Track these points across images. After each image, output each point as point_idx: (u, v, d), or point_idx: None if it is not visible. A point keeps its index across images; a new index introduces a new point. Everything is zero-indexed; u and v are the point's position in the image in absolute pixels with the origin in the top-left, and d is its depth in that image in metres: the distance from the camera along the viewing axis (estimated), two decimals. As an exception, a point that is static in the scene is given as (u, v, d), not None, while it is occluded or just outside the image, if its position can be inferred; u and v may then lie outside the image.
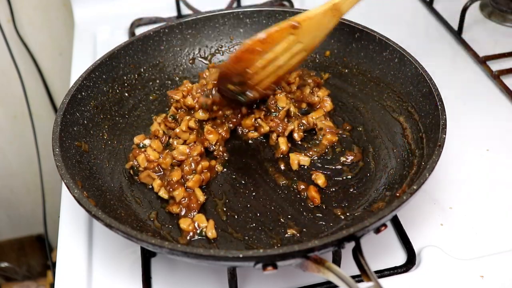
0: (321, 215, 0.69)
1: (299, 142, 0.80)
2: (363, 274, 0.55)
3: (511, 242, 0.69)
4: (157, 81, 0.89)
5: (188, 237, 0.67)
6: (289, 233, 0.67)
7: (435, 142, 0.65)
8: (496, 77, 0.94)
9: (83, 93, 0.78)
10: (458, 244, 0.69)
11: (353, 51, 0.87)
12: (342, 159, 0.76)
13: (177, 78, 0.91)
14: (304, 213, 0.70)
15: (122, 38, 1.10)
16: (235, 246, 0.65)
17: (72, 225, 0.75)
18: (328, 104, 0.83)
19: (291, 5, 1.17)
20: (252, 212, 0.70)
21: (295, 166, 0.76)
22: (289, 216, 0.69)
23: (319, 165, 0.76)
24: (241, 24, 0.93)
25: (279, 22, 0.74)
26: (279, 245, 0.65)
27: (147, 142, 0.77)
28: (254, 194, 0.73)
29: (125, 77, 0.86)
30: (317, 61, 0.91)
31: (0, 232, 1.72)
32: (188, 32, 0.92)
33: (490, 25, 1.10)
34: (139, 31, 1.10)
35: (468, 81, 0.96)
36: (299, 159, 0.76)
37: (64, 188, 0.80)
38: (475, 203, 0.74)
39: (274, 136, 0.80)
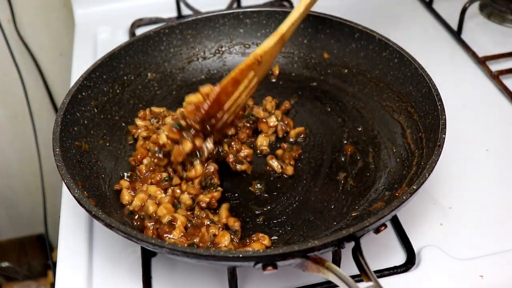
0: (320, 215, 0.69)
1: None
2: (363, 274, 0.55)
3: (511, 242, 0.69)
4: (158, 81, 0.89)
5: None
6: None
7: (434, 142, 0.65)
8: (496, 77, 0.94)
9: (84, 93, 0.78)
10: (458, 244, 0.69)
11: (353, 51, 0.87)
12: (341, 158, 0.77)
13: (178, 78, 0.91)
14: (304, 213, 0.70)
15: (122, 38, 1.10)
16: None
17: (72, 225, 0.75)
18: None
19: (291, 5, 1.17)
20: (256, 215, 0.70)
21: (290, 171, 0.76)
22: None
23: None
24: (241, 24, 0.93)
25: (244, 60, 0.75)
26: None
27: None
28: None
29: (125, 77, 0.86)
30: (317, 61, 0.91)
31: (0, 232, 1.73)
32: (188, 33, 0.92)
33: (489, 25, 1.10)
34: (140, 31, 1.10)
35: (468, 81, 0.96)
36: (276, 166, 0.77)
37: (64, 188, 0.80)
38: (475, 203, 0.74)
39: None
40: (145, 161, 0.76)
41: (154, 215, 0.68)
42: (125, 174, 0.74)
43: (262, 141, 0.80)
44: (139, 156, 0.76)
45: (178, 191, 0.71)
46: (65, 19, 1.35)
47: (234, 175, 0.76)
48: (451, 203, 0.75)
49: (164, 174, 0.72)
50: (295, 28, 0.79)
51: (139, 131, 0.80)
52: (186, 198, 0.70)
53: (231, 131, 0.80)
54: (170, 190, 0.72)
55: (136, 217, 0.68)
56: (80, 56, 1.08)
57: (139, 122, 0.82)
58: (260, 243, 0.65)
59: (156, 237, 0.65)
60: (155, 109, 0.84)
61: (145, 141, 0.79)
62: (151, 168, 0.74)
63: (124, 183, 0.73)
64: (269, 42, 0.76)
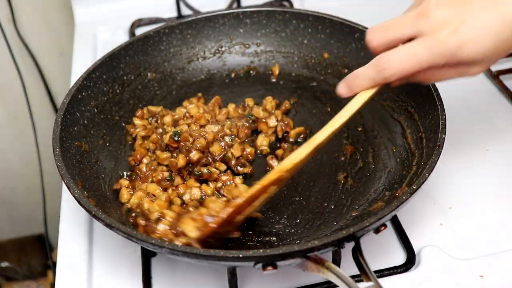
0: (320, 215, 0.69)
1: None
2: (363, 274, 0.55)
3: (511, 242, 0.69)
4: (157, 81, 0.89)
5: None
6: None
7: (434, 142, 0.65)
8: (496, 77, 0.94)
9: (84, 93, 0.78)
10: (458, 244, 0.69)
11: (353, 51, 0.87)
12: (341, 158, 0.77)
13: (178, 78, 0.91)
14: (304, 213, 0.70)
15: (122, 38, 1.10)
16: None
17: (72, 225, 0.75)
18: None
19: (291, 5, 1.17)
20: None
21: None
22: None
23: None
24: (241, 24, 0.93)
25: (267, 175, 0.64)
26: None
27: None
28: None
29: (125, 77, 0.86)
30: (317, 61, 0.91)
31: (0, 232, 1.72)
32: (188, 33, 0.92)
33: (490, 25, 1.10)
34: (140, 31, 1.10)
35: (468, 81, 0.95)
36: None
37: (64, 188, 0.80)
38: (475, 203, 0.74)
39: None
40: (145, 160, 0.76)
41: (148, 212, 0.67)
42: (125, 173, 0.74)
43: (262, 141, 0.80)
44: (138, 156, 0.76)
45: (180, 190, 0.71)
46: (65, 19, 1.35)
47: (234, 175, 0.76)
48: (451, 203, 0.75)
49: (166, 174, 0.72)
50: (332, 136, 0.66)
51: (137, 130, 0.80)
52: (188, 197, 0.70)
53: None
54: (170, 190, 0.72)
55: (133, 215, 0.68)
56: (80, 56, 1.08)
57: (137, 121, 0.82)
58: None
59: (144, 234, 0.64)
60: (152, 108, 0.84)
61: (144, 140, 0.79)
62: (152, 168, 0.74)
63: (124, 182, 0.73)
64: (300, 152, 0.64)
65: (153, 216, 0.65)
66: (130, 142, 0.81)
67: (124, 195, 0.71)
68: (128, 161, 0.77)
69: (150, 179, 0.73)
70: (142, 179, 0.74)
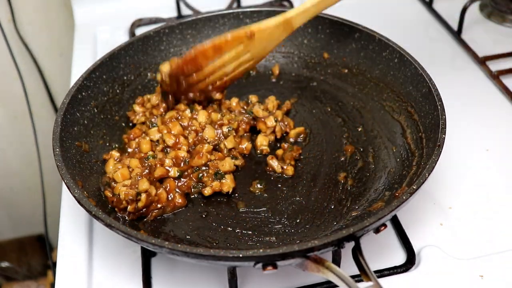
0: (320, 215, 0.69)
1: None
2: (363, 274, 0.55)
3: (511, 242, 0.69)
4: (157, 81, 0.89)
5: None
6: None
7: (434, 142, 0.65)
8: (496, 77, 0.94)
9: (84, 93, 0.78)
10: (458, 244, 0.69)
11: (353, 51, 0.87)
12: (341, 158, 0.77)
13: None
14: (304, 213, 0.70)
15: (122, 38, 1.10)
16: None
17: (72, 225, 0.75)
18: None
19: (291, 5, 1.17)
20: (250, 213, 0.70)
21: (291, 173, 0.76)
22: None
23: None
24: (241, 24, 0.93)
25: (234, 30, 0.76)
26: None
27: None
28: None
29: (125, 77, 0.86)
30: (317, 61, 0.91)
31: (0, 232, 1.72)
32: (188, 33, 0.92)
33: (489, 25, 1.10)
34: (139, 31, 1.10)
35: (468, 81, 0.96)
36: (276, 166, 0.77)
37: (64, 188, 0.80)
38: (475, 203, 0.74)
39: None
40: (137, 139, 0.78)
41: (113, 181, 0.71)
42: (116, 146, 0.77)
43: (262, 141, 0.80)
44: (132, 135, 0.78)
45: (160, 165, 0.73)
46: (65, 19, 1.35)
47: (234, 175, 0.76)
48: (451, 203, 0.75)
49: (150, 153, 0.74)
50: (307, 19, 0.77)
51: (137, 117, 0.82)
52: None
53: (218, 96, 0.82)
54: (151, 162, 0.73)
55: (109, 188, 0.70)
56: (80, 56, 1.08)
57: (137, 108, 0.83)
58: None
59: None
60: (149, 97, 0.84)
61: (143, 125, 0.81)
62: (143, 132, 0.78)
63: (114, 154, 0.75)
64: (269, 21, 0.76)
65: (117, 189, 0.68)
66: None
67: (110, 166, 0.73)
68: (122, 138, 0.79)
69: (135, 155, 0.74)
70: (129, 154, 0.75)
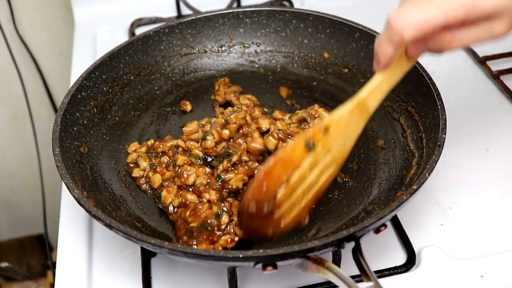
0: (320, 215, 0.69)
1: None
2: (363, 274, 0.55)
3: (511, 242, 0.69)
4: (157, 81, 0.89)
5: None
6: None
7: (435, 142, 0.65)
8: (496, 77, 0.94)
9: (83, 93, 0.78)
10: (458, 244, 0.69)
11: (353, 51, 0.87)
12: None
13: (177, 77, 0.91)
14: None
15: (122, 38, 1.10)
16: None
17: (72, 225, 0.75)
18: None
19: (291, 5, 1.17)
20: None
21: None
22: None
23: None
24: (241, 24, 0.93)
25: (302, 132, 0.66)
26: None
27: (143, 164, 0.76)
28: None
29: (125, 77, 0.86)
30: (317, 61, 0.91)
31: (0, 232, 1.72)
32: (188, 32, 0.92)
33: (490, 25, 1.10)
34: (139, 31, 1.10)
35: (468, 81, 0.96)
36: None
37: (64, 188, 0.80)
38: (475, 203, 0.74)
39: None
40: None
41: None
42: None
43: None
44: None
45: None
46: (64, 19, 1.35)
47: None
48: (451, 203, 0.75)
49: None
50: (381, 96, 0.62)
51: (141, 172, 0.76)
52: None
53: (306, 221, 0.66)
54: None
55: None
56: (79, 56, 1.08)
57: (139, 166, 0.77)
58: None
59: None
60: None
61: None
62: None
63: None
64: (342, 109, 0.61)
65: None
66: (130, 142, 0.81)
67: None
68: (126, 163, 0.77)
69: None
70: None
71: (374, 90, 0.61)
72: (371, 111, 0.63)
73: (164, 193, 0.70)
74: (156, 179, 0.73)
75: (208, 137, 0.73)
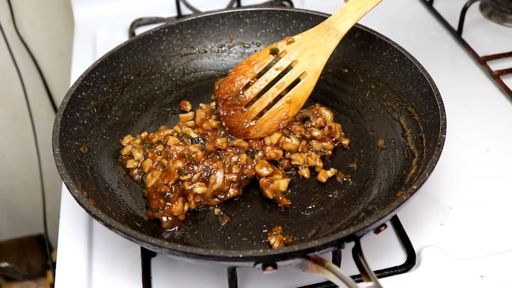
0: (321, 215, 0.69)
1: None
2: (363, 274, 0.55)
3: (511, 242, 0.69)
4: (157, 81, 0.89)
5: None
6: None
7: (435, 142, 0.65)
8: (496, 77, 0.94)
9: (83, 93, 0.78)
10: (458, 244, 0.69)
11: (353, 51, 0.87)
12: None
13: (177, 78, 0.91)
14: (304, 212, 0.70)
15: (122, 38, 1.10)
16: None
17: (72, 225, 0.75)
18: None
19: (291, 5, 1.17)
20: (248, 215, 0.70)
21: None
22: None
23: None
24: (241, 24, 0.93)
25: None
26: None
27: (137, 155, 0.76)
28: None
29: (125, 77, 0.86)
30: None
31: (0, 232, 1.72)
32: (188, 32, 0.92)
33: (490, 25, 1.10)
34: (139, 31, 1.10)
35: (468, 81, 0.96)
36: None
37: (64, 188, 0.80)
38: (475, 203, 0.74)
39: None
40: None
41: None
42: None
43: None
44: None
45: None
46: (64, 19, 1.35)
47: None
48: (451, 203, 0.75)
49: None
50: (350, 21, 0.75)
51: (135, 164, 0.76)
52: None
53: (273, 140, 0.76)
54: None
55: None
56: (79, 56, 1.08)
57: (132, 157, 0.77)
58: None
59: None
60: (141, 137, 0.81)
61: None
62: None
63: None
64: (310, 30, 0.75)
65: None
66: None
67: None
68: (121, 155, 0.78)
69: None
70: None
71: (342, 14, 0.74)
72: (341, 32, 0.74)
73: (148, 176, 0.71)
74: (147, 163, 0.74)
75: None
